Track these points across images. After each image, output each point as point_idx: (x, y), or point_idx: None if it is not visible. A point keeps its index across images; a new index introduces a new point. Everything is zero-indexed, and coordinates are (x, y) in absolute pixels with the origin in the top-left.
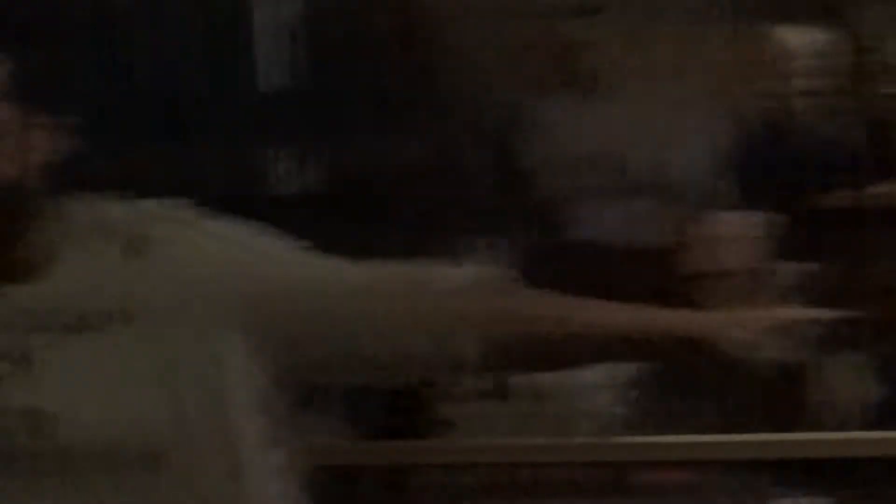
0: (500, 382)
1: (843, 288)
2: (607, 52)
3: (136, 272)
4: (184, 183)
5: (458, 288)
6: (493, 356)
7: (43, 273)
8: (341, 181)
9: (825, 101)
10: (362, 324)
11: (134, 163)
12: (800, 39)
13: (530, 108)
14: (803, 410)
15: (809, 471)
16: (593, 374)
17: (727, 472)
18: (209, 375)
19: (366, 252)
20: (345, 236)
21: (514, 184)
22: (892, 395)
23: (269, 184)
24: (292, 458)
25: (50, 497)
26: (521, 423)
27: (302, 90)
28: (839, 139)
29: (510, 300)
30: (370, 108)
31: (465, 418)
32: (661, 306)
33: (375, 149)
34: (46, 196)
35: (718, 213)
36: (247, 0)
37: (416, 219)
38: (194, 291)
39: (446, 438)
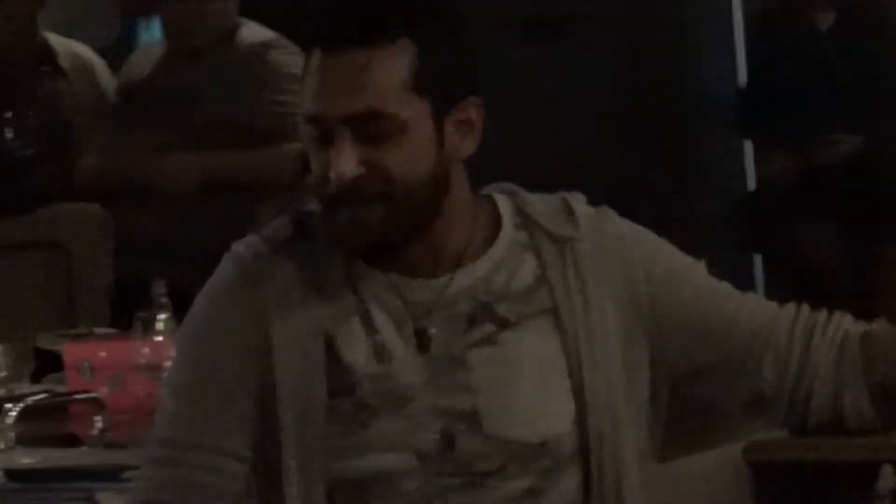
0: None
1: None
2: None
3: (558, 269)
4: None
5: (848, 336)
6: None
7: (466, 266)
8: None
9: None
10: (765, 362)
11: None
12: None
13: None
14: None
15: None
16: None
17: None
18: (607, 378)
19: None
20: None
21: None
22: None
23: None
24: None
25: (478, 496)
26: None
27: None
28: None
29: None
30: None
31: None
32: None
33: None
34: (460, 190)
35: None
36: None
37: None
38: (610, 293)
39: None
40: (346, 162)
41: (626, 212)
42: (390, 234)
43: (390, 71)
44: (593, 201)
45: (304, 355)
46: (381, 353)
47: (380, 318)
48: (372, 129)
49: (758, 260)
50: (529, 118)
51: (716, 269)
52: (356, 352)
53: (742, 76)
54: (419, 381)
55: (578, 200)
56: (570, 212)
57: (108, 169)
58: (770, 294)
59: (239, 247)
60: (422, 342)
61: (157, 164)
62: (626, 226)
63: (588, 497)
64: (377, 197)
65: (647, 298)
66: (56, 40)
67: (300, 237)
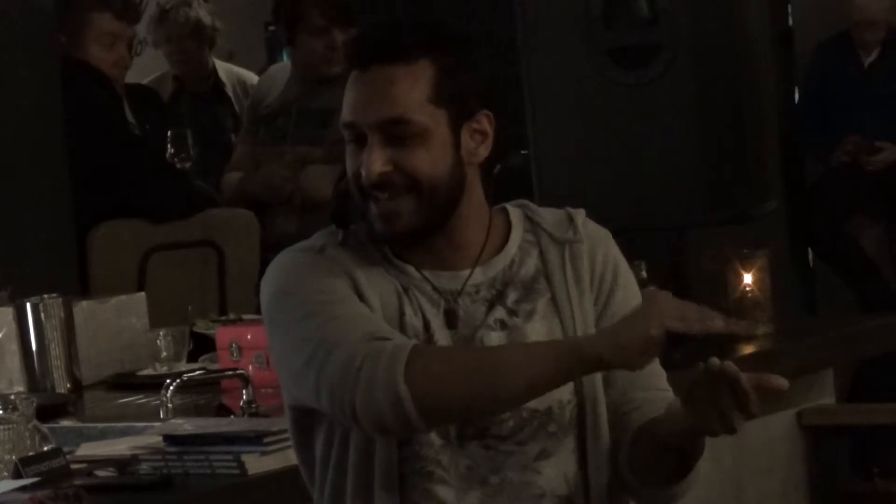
0: None
1: None
2: None
3: (557, 264)
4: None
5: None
6: None
7: (485, 262)
8: None
9: None
10: None
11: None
12: None
13: None
14: None
15: None
16: None
17: None
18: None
19: None
20: None
21: None
22: None
23: None
24: None
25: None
26: None
27: None
28: None
29: None
30: None
31: None
32: None
33: None
34: (476, 192)
35: None
36: None
37: None
38: (591, 286)
39: None
40: (375, 160)
41: (704, 209)
42: (416, 225)
43: (413, 85)
44: (674, 202)
45: (385, 306)
46: (426, 326)
47: (420, 300)
48: (397, 133)
49: (810, 252)
50: (618, 131)
51: (777, 259)
52: (414, 321)
53: (798, 97)
54: None
55: (579, 214)
56: (571, 221)
57: (249, 183)
58: (822, 282)
59: (291, 251)
60: (451, 321)
61: (298, 176)
62: (615, 251)
63: (584, 458)
64: (403, 191)
65: (602, 301)
66: (223, 67)
67: (345, 239)
